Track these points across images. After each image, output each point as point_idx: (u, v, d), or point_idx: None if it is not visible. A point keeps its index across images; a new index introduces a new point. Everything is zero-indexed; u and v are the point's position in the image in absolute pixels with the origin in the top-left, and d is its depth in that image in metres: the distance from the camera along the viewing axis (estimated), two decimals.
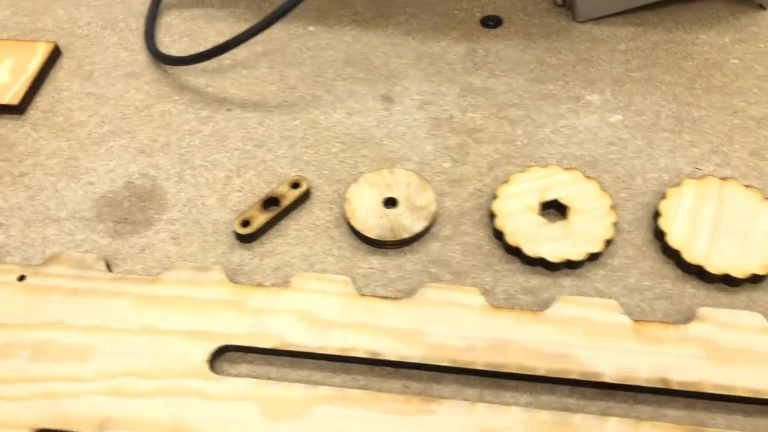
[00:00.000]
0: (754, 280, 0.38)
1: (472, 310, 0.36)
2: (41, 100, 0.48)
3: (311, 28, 0.52)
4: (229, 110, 0.47)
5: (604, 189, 0.41)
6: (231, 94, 0.48)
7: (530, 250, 0.39)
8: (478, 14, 0.53)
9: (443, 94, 0.48)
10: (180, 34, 0.52)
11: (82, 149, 0.45)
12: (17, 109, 0.47)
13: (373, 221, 0.40)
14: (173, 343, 0.36)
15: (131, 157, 0.45)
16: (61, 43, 0.52)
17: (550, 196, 0.41)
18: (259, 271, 0.39)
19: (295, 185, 0.42)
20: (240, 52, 0.51)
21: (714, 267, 0.38)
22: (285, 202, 0.41)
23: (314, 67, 0.50)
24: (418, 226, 0.40)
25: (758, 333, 0.35)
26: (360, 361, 0.35)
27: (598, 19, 0.52)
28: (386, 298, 0.37)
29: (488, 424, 0.33)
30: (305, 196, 0.42)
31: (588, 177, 0.41)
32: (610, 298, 0.37)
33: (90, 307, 0.37)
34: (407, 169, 0.43)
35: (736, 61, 0.49)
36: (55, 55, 0.50)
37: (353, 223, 0.40)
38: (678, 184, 0.41)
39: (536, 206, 0.40)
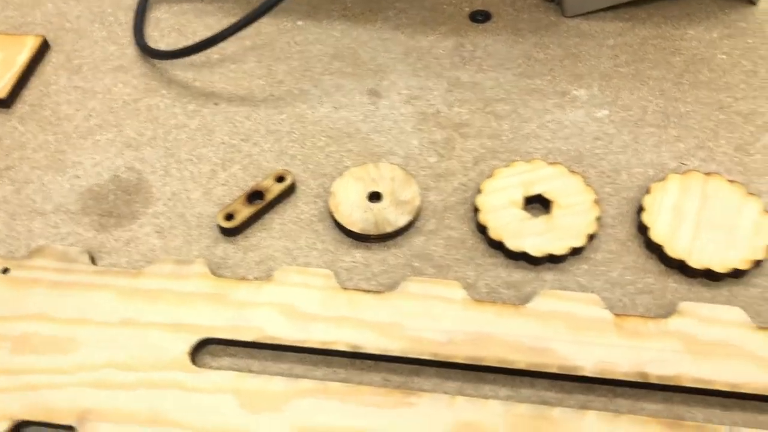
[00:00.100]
0: (736, 275, 0.38)
1: (454, 304, 0.36)
2: (29, 94, 0.48)
3: (300, 23, 0.53)
4: (216, 104, 0.47)
5: (588, 184, 0.41)
6: (218, 89, 0.48)
7: (513, 245, 0.39)
8: (467, 9, 0.53)
9: (430, 89, 0.48)
10: (169, 28, 0.53)
11: (68, 143, 0.45)
12: (4, 103, 0.47)
13: (357, 215, 0.40)
14: (155, 335, 0.36)
15: (117, 151, 0.45)
16: (50, 37, 0.52)
17: (533, 191, 0.41)
18: (243, 264, 0.39)
19: (280, 179, 0.42)
20: (228, 47, 0.51)
21: (696, 262, 0.38)
22: (269, 196, 0.41)
23: (302, 61, 0.50)
24: (401, 221, 0.40)
25: (738, 327, 0.35)
26: (341, 354, 0.36)
27: (586, 15, 0.52)
28: (368, 291, 0.37)
29: (467, 417, 0.33)
30: (290, 190, 0.42)
31: (572, 172, 0.41)
32: (592, 292, 0.37)
33: (73, 299, 0.37)
34: (392, 164, 0.43)
35: (723, 56, 0.49)
36: (43, 49, 0.51)
37: (337, 217, 0.40)
38: (662, 179, 0.41)
39: (520, 201, 0.40)
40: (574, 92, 0.47)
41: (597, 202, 0.40)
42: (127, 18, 0.53)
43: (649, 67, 0.48)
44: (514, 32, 0.51)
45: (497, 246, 0.39)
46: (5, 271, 0.38)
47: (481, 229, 0.40)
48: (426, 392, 0.34)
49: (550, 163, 0.42)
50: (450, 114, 0.46)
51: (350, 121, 0.46)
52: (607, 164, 0.43)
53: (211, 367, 0.36)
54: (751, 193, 0.40)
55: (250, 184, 0.43)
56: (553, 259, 0.39)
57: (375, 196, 0.41)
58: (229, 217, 0.40)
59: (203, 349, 0.36)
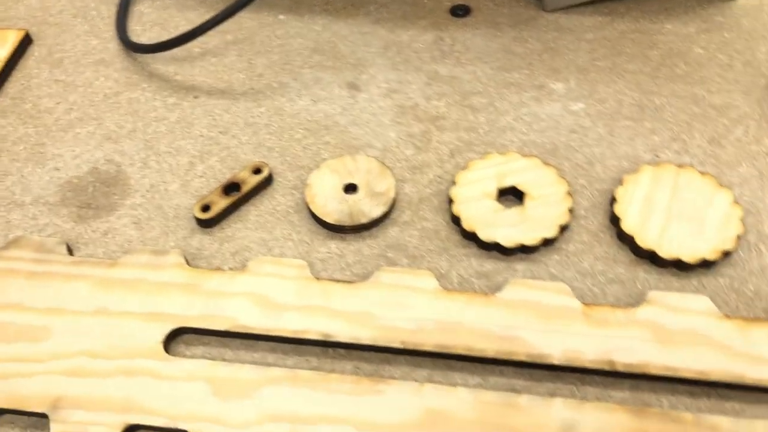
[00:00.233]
0: (705, 265, 0.38)
1: (425, 294, 0.37)
2: (10, 87, 0.49)
3: (282, 17, 0.53)
4: (196, 97, 0.48)
5: (561, 176, 0.42)
6: (199, 82, 0.49)
7: (485, 235, 0.39)
8: (448, 3, 0.53)
9: (409, 83, 0.48)
10: (151, 23, 0.53)
11: (48, 136, 0.46)
12: None
13: (332, 206, 0.41)
14: (129, 324, 0.36)
15: (97, 144, 0.45)
16: (33, 31, 0.52)
17: (507, 183, 0.41)
18: (218, 255, 0.40)
19: (257, 171, 0.42)
20: (210, 41, 0.51)
21: (666, 252, 0.38)
22: (246, 188, 0.42)
23: (282, 55, 0.50)
24: (376, 212, 0.40)
25: (705, 316, 0.36)
26: (313, 343, 0.36)
27: (566, 9, 0.52)
28: (340, 281, 0.37)
29: (435, 404, 0.33)
30: (267, 182, 0.43)
31: (546, 164, 0.42)
32: (563, 282, 0.38)
33: (49, 289, 0.37)
34: (369, 156, 0.43)
35: (700, 50, 0.49)
36: (25, 42, 0.51)
37: (313, 208, 0.41)
38: (636, 171, 0.41)
39: (494, 192, 0.41)
40: (552, 86, 0.48)
41: (570, 193, 0.40)
42: (110, 12, 0.53)
43: (626, 61, 0.49)
44: (494, 26, 0.51)
45: (470, 237, 0.40)
46: None
47: (455, 221, 0.40)
48: (395, 380, 0.34)
49: (525, 156, 0.42)
50: (428, 107, 0.47)
51: (328, 114, 0.46)
52: (582, 156, 0.44)
53: (184, 356, 0.36)
54: (722, 185, 0.41)
55: (227, 176, 0.43)
56: (525, 250, 0.39)
57: (351, 188, 0.42)
58: (206, 208, 0.41)
59: (177, 338, 0.37)
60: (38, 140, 0.46)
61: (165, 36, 0.52)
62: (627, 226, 0.39)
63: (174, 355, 0.36)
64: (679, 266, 0.38)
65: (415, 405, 0.33)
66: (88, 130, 0.46)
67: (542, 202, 0.40)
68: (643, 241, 0.39)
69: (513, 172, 0.41)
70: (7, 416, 0.34)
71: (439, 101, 0.47)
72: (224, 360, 0.36)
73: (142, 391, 0.34)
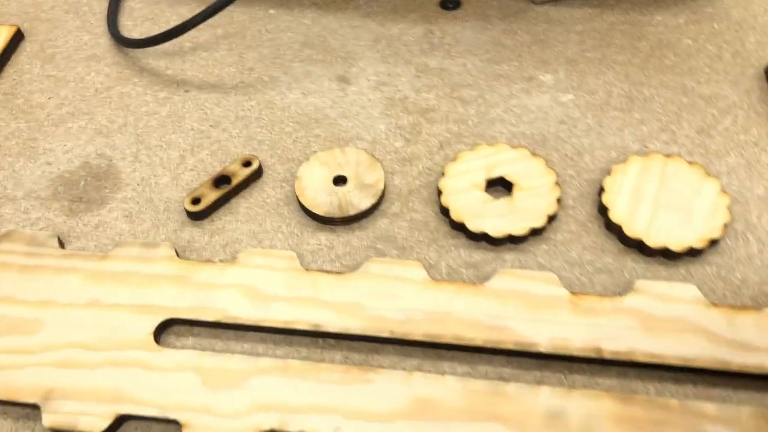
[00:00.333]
0: (692, 253, 0.38)
1: (414, 284, 0.37)
2: (2, 83, 0.49)
3: (272, 11, 0.53)
4: (186, 91, 0.48)
5: (550, 166, 0.42)
6: (190, 76, 0.49)
7: (474, 226, 0.39)
8: None
9: (398, 75, 0.48)
10: (142, 18, 0.53)
11: (40, 130, 0.46)
12: None
13: (322, 199, 0.41)
14: (120, 316, 0.36)
15: (89, 138, 0.46)
16: (25, 27, 0.52)
17: (496, 174, 0.41)
18: (209, 247, 0.40)
19: (247, 164, 0.43)
20: (201, 35, 0.51)
21: (654, 241, 0.38)
22: (236, 180, 0.42)
23: (273, 49, 0.50)
24: (365, 203, 0.41)
25: (692, 304, 0.36)
26: (302, 333, 0.36)
27: (555, 1, 0.52)
28: (330, 272, 0.38)
29: (423, 393, 0.34)
30: (257, 175, 0.43)
31: (535, 155, 0.42)
32: (551, 272, 0.38)
33: (40, 282, 0.38)
34: (358, 148, 0.43)
35: (689, 41, 0.49)
36: (17, 38, 0.51)
37: (303, 200, 0.41)
38: (624, 161, 0.42)
39: (482, 183, 0.41)
40: (541, 77, 0.48)
41: (558, 184, 0.41)
42: (101, 8, 0.54)
43: (615, 53, 0.49)
44: (484, 19, 0.52)
45: (459, 228, 0.40)
46: None
47: (444, 212, 0.41)
48: (384, 369, 0.34)
49: (513, 147, 0.42)
50: (417, 99, 0.47)
51: (318, 107, 0.47)
52: (570, 147, 0.44)
53: (175, 347, 0.36)
54: (710, 174, 0.41)
55: (217, 169, 0.43)
56: (513, 240, 0.39)
57: (340, 180, 0.42)
58: (196, 201, 0.41)
59: (168, 330, 0.37)
60: (30, 135, 0.46)
61: (156, 31, 0.52)
62: (615, 215, 0.39)
63: (164, 346, 0.36)
64: (666, 255, 0.39)
65: (404, 393, 0.34)
66: (80, 124, 0.46)
67: (531, 193, 0.40)
68: (631, 231, 0.39)
69: (502, 163, 0.42)
70: (0, 407, 0.35)
71: (428, 93, 0.47)
72: (214, 351, 0.36)
73: (133, 381, 0.34)
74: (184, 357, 0.35)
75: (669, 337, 0.35)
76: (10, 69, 0.50)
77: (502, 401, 0.33)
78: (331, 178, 0.42)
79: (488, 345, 0.35)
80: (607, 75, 0.48)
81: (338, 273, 0.38)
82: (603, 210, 0.40)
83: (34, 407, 0.34)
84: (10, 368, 0.35)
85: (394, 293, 0.37)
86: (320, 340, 0.36)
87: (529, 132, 0.45)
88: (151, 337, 0.36)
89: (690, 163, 0.41)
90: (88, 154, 0.45)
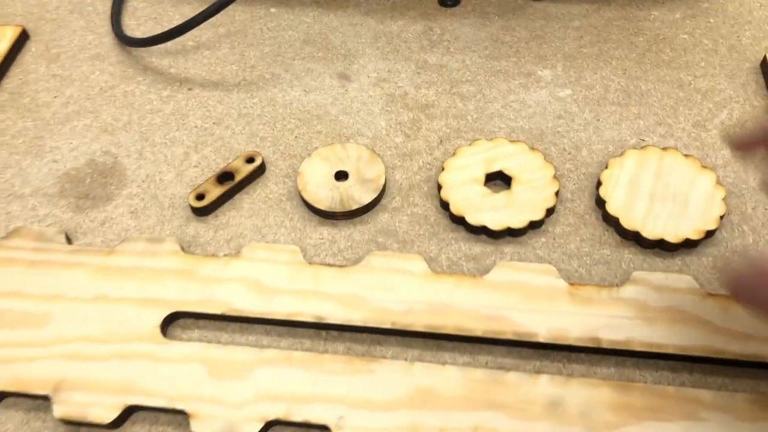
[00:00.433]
0: (689, 245, 0.39)
1: (415, 277, 0.38)
2: (8, 83, 0.50)
3: (273, 10, 0.54)
4: (189, 90, 0.49)
5: (548, 160, 0.42)
6: (192, 74, 0.50)
7: (473, 219, 0.40)
8: None
9: (398, 72, 0.49)
10: (145, 17, 0.54)
11: (46, 129, 0.47)
12: None
13: (323, 194, 0.42)
14: (127, 310, 0.37)
15: (94, 136, 0.46)
16: (30, 27, 0.53)
17: (494, 168, 0.42)
18: (213, 242, 0.41)
19: (250, 160, 0.43)
20: (203, 34, 0.52)
21: (650, 233, 0.39)
22: (239, 177, 0.43)
23: (274, 47, 0.51)
24: (366, 198, 0.41)
25: (688, 294, 0.36)
26: (306, 325, 0.37)
27: None
28: (332, 265, 0.38)
29: (424, 382, 0.34)
30: (260, 171, 0.43)
31: (533, 149, 0.43)
32: (550, 263, 0.39)
33: (48, 277, 0.38)
34: (359, 144, 0.44)
35: (685, 36, 0.50)
36: (23, 38, 0.52)
37: (305, 195, 0.42)
38: (621, 155, 0.42)
39: (481, 177, 0.42)
40: (539, 73, 0.48)
41: (556, 177, 0.41)
42: (105, 8, 0.54)
43: (612, 48, 0.50)
44: (482, 16, 0.52)
45: (459, 221, 0.41)
46: None
47: (444, 206, 0.41)
48: (386, 360, 0.35)
49: (512, 141, 0.43)
50: (417, 95, 0.47)
51: (320, 103, 0.47)
52: (568, 141, 0.45)
53: (181, 339, 0.37)
54: (705, 167, 0.41)
55: (221, 166, 0.44)
56: (512, 233, 0.40)
57: (342, 175, 0.43)
58: (200, 197, 0.42)
59: (174, 323, 0.38)
60: (37, 133, 0.46)
61: (159, 30, 0.52)
62: (612, 208, 0.40)
63: (171, 338, 0.37)
64: (663, 246, 0.39)
65: (406, 383, 0.34)
66: (85, 123, 0.47)
67: (529, 186, 0.41)
68: (628, 223, 0.39)
69: (500, 157, 0.42)
70: (11, 399, 0.35)
71: (428, 90, 0.48)
72: (220, 343, 0.37)
73: (141, 373, 0.35)
74: (191, 349, 0.36)
75: (665, 327, 0.36)
76: (16, 69, 0.50)
77: (503, 390, 0.34)
78: (333, 174, 0.42)
79: (488, 335, 0.36)
80: (604, 70, 0.48)
81: (340, 266, 0.38)
82: (600, 203, 0.41)
83: (45, 399, 0.35)
84: (21, 361, 0.35)
85: (396, 286, 0.37)
86: (323, 332, 0.37)
87: (527, 127, 0.45)
88: (158, 330, 0.36)
89: (686, 156, 0.42)
90: (94, 152, 0.45)
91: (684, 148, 0.44)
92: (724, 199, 0.40)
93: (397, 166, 0.44)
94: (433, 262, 0.39)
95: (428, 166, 0.44)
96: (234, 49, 0.51)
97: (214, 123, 0.46)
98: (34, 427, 0.35)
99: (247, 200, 0.43)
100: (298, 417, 0.33)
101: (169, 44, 0.51)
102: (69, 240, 0.41)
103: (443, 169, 0.42)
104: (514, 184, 0.41)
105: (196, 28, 0.47)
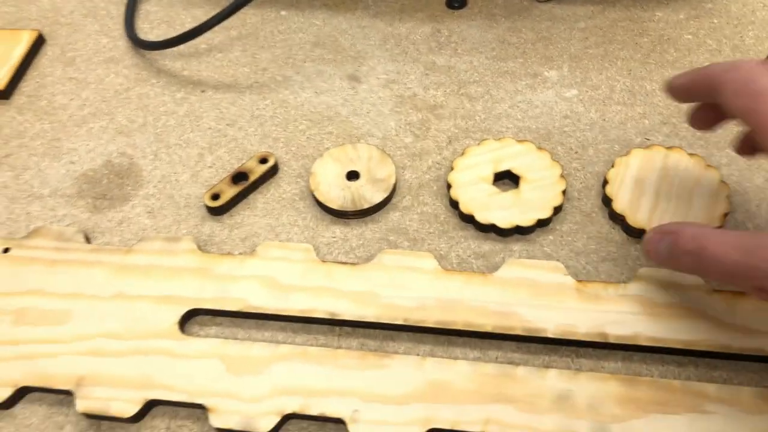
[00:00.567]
0: None
1: (426, 274, 0.39)
2: (26, 86, 0.51)
3: (284, 13, 0.55)
4: (203, 92, 0.50)
5: (555, 159, 0.43)
6: (205, 77, 0.51)
7: (482, 218, 0.41)
8: None
9: (407, 73, 0.50)
10: (158, 20, 0.55)
11: (64, 131, 0.48)
12: (3, 95, 0.50)
13: (335, 193, 0.42)
14: (145, 307, 0.38)
15: (110, 138, 0.47)
16: (45, 32, 0.54)
17: (502, 167, 0.43)
18: (228, 241, 0.42)
19: (263, 160, 0.44)
20: (215, 37, 0.53)
21: None
22: (253, 177, 0.44)
23: (285, 49, 0.52)
24: (377, 197, 0.42)
25: (693, 290, 0.37)
26: (320, 321, 0.38)
27: None
28: (345, 263, 0.39)
29: (436, 377, 0.35)
30: (273, 171, 0.44)
31: (540, 148, 0.43)
32: (557, 261, 0.40)
33: (68, 275, 0.39)
34: (370, 144, 0.45)
35: (689, 36, 0.51)
36: (39, 42, 0.53)
37: (317, 195, 0.43)
38: (627, 154, 0.43)
39: (490, 176, 0.43)
40: (545, 73, 0.49)
41: (563, 176, 0.42)
42: (119, 11, 0.55)
43: (617, 48, 0.50)
44: (489, 17, 0.53)
45: (468, 219, 0.42)
46: (6, 250, 0.41)
47: (454, 204, 0.42)
48: (398, 355, 0.36)
49: (520, 141, 0.44)
50: (426, 96, 0.48)
51: (330, 105, 0.48)
52: (575, 141, 0.45)
53: (199, 336, 0.38)
54: (710, 166, 0.42)
55: (235, 166, 0.45)
56: (520, 231, 0.41)
57: (353, 175, 0.43)
58: (215, 197, 0.43)
59: (191, 320, 0.39)
60: (54, 135, 0.48)
61: (172, 33, 0.53)
62: (618, 206, 0.41)
63: (189, 335, 0.38)
64: None
65: (418, 378, 0.35)
66: (101, 124, 0.48)
67: (537, 185, 0.42)
68: (634, 221, 0.40)
69: (508, 156, 0.43)
70: (35, 394, 0.36)
71: (436, 91, 0.49)
72: (236, 339, 0.38)
73: (161, 369, 0.36)
74: (209, 345, 0.37)
75: (672, 322, 0.36)
76: (33, 72, 0.51)
77: (512, 384, 0.35)
78: (344, 174, 0.43)
79: (498, 331, 0.37)
80: (609, 70, 0.49)
81: (353, 264, 0.39)
82: (607, 201, 0.42)
83: (68, 393, 0.36)
84: (44, 357, 0.36)
85: (407, 283, 0.38)
86: (337, 328, 0.38)
87: (534, 126, 0.46)
88: (176, 327, 0.37)
89: (691, 154, 0.43)
90: (110, 153, 0.47)
91: (688, 147, 0.45)
92: (728, 197, 0.41)
93: (407, 165, 0.45)
94: (443, 260, 0.40)
95: (437, 165, 0.45)
96: (246, 52, 0.52)
97: (227, 124, 0.47)
98: (57, 422, 0.36)
99: (260, 200, 0.44)
100: (314, 411, 0.34)
101: (182, 47, 0.52)
102: (88, 239, 0.42)
103: (452, 169, 0.43)
104: (522, 183, 0.42)
105: (209, 31, 0.48)
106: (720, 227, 0.40)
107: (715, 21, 0.52)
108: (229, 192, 0.43)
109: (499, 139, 0.44)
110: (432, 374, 0.35)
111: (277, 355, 0.36)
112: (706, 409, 0.34)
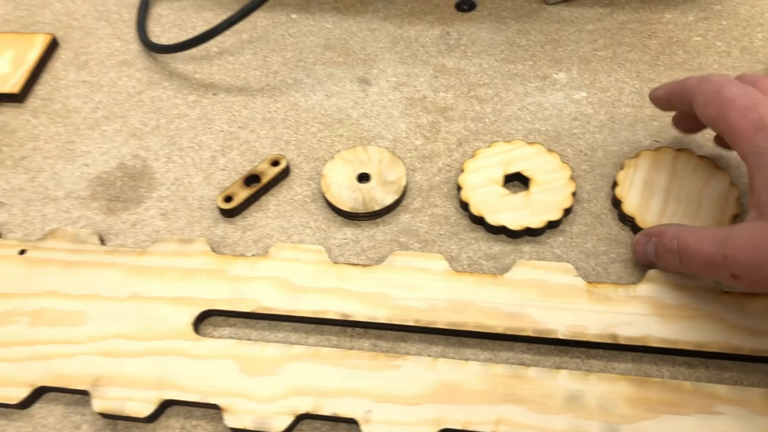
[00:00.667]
0: None
1: (437, 275, 0.39)
2: (40, 89, 0.51)
3: (294, 16, 0.55)
4: (215, 95, 0.50)
5: (565, 161, 0.44)
6: (217, 80, 0.51)
7: (493, 219, 0.41)
8: None
9: (417, 76, 0.50)
10: (170, 24, 0.55)
11: (77, 134, 0.48)
12: (18, 98, 0.50)
13: (346, 195, 0.43)
14: (160, 308, 0.39)
15: (123, 140, 0.48)
16: (59, 35, 0.55)
17: (513, 169, 0.43)
18: (241, 243, 0.42)
19: (275, 163, 0.45)
20: (227, 40, 0.54)
21: None
22: (265, 179, 0.44)
23: (296, 52, 0.52)
24: (388, 199, 0.43)
25: (703, 291, 0.37)
26: (332, 322, 0.38)
27: (567, 1, 0.54)
28: (357, 265, 0.40)
29: (447, 377, 0.36)
30: (285, 173, 0.45)
31: (550, 150, 0.44)
32: (567, 262, 0.40)
33: (83, 277, 0.40)
34: (380, 147, 0.45)
35: (698, 38, 0.51)
36: (52, 46, 0.53)
37: (328, 197, 0.43)
38: (636, 156, 0.43)
39: (500, 178, 0.43)
40: (555, 76, 0.50)
41: (573, 178, 0.42)
42: (131, 15, 0.56)
43: (626, 51, 0.51)
44: (498, 20, 0.53)
45: (478, 221, 0.42)
46: (22, 252, 0.41)
47: (464, 206, 0.43)
48: (410, 356, 0.36)
49: (529, 143, 0.44)
50: (435, 99, 0.49)
51: (341, 107, 0.49)
52: (584, 143, 0.46)
53: (213, 337, 0.38)
54: (719, 167, 0.42)
55: (247, 169, 0.45)
56: (530, 233, 0.41)
57: (364, 177, 0.44)
58: (228, 199, 0.43)
59: (205, 321, 0.39)
60: (68, 138, 0.48)
61: (183, 36, 0.54)
62: (628, 208, 0.41)
63: (203, 336, 0.38)
64: None
65: (429, 378, 0.36)
66: (114, 127, 0.49)
67: (546, 187, 0.42)
68: (644, 222, 0.41)
69: (518, 159, 0.44)
70: (52, 394, 0.37)
71: (446, 93, 0.49)
72: (250, 340, 0.38)
73: (175, 369, 0.36)
74: (222, 346, 0.37)
75: (682, 324, 0.37)
76: (47, 75, 0.52)
77: (523, 385, 0.35)
78: (355, 176, 0.44)
79: (509, 332, 0.37)
80: (618, 72, 0.49)
81: (364, 265, 0.40)
82: (616, 203, 0.42)
83: (84, 393, 0.36)
84: (60, 357, 0.37)
85: (418, 284, 0.39)
86: (349, 329, 0.39)
87: (544, 129, 0.47)
88: (191, 328, 0.38)
89: (700, 156, 0.43)
90: (124, 156, 0.47)
91: (698, 148, 0.45)
92: (738, 198, 0.41)
93: (418, 168, 0.45)
94: (454, 261, 0.41)
95: (448, 167, 0.45)
96: (257, 55, 0.52)
97: (239, 127, 0.48)
98: (74, 421, 0.36)
99: (273, 202, 0.44)
100: (326, 411, 0.35)
101: (194, 50, 0.52)
102: (102, 241, 0.42)
103: (462, 171, 0.43)
104: (532, 185, 0.42)
105: (220, 35, 0.48)
106: None
107: (724, 23, 0.52)
108: (242, 194, 0.43)
109: (509, 141, 0.45)
110: (443, 375, 0.36)
111: (290, 356, 0.37)
112: (717, 410, 0.34)
